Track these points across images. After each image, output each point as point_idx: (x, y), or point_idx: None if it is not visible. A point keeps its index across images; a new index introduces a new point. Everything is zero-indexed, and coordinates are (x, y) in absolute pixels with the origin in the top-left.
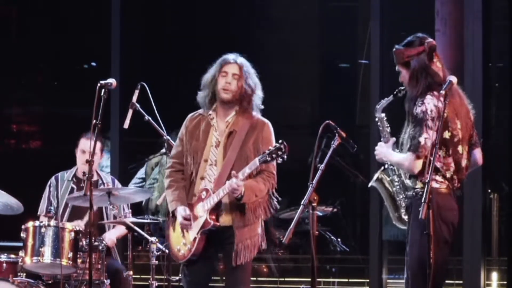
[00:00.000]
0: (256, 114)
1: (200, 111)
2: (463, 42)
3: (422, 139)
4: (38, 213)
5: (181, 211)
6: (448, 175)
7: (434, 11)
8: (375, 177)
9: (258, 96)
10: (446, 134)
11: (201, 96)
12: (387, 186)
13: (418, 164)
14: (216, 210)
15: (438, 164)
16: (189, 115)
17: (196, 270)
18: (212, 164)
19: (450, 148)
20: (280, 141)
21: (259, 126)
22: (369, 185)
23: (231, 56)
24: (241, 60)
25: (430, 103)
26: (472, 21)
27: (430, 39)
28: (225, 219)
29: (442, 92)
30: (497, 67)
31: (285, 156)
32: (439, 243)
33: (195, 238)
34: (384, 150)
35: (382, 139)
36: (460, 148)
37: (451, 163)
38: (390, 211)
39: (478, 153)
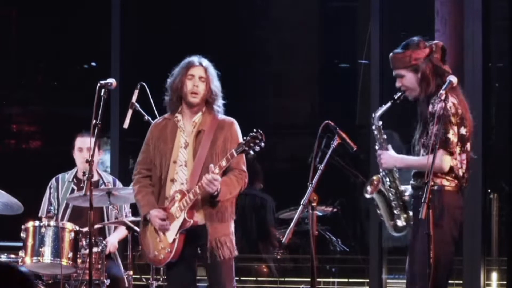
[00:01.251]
0: (221, 114)
1: (165, 115)
2: (463, 42)
3: (451, 136)
4: (39, 214)
5: (156, 213)
6: (460, 173)
7: (434, 11)
8: (372, 189)
9: (221, 97)
10: (463, 130)
11: (167, 99)
12: (386, 195)
13: (448, 161)
14: (193, 208)
15: (454, 162)
16: (154, 121)
17: (178, 273)
18: (182, 165)
19: (465, 145)
20: (255, 129)
21: (227, 125)
22: (368, 197)
23: (195, 59)
24: (206, 62)
25: (449, 100)
26: (472, 21)
27: (436, 40)
28: (198, 218)
29: (442, 92)
30: (497, 67)
31: (263, 144)
32: (449, 242)
33: (174, 240)
34: (392, 156)
35: (378, 147)
36: (468, 145)
37: (464, 160)
38: (385, 220)
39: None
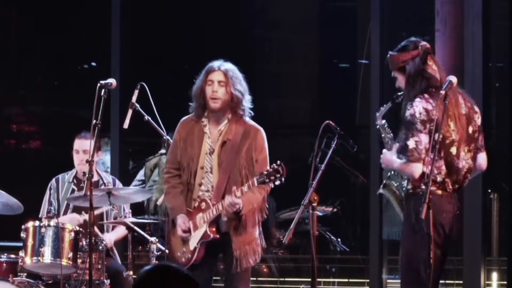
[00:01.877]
0: (249, 120)
1: (193, 115)
2: (463, 42)
3: (410, 143)
4: (40, 215)
5: (180, 222)
6: (439, 179)
7: (434, 11)
8: (382, 185)
9: (247, 99)
10: (437, 137)
11: (192, 107)
12: (394, 190)
13: (416, 168)
14: (215, 222)
15: (428, 169)
16: (182, 119)
17: (197, 275)
18: (208, 172)
19: (442, 151)
20: (278, 162)
21: (252, 133)
22: (377, 193)
23: (216, 64)
24: (226, 66)
25: (419, 106)
26: (472, 21)
27: (424, 42)
28: (222, 226)
29: (442, 92)
30: (497, 67)
31: (283, 179)
32: (424, 244)
33: (195, 248)
34: (388, 158)
35: (385, 146)
36: (453, 149)
37: (442, 166)
38: (398, 211)
39: (481, 158)
